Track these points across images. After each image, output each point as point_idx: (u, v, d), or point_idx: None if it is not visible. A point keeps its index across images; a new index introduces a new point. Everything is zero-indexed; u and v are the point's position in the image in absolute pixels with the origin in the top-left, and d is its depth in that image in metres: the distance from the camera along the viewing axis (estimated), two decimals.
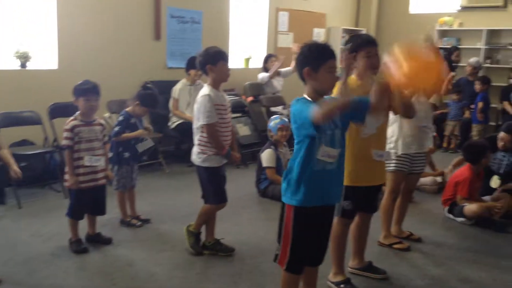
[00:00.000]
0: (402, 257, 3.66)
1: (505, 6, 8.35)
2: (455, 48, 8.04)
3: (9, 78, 5.15)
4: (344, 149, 2.46)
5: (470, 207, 4.29)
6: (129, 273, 3.28)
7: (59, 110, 4.96)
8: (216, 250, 3.57)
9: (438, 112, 7.08)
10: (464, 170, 4.50)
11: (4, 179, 4.26)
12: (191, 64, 5.81)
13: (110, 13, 5.89)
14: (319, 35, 8.87)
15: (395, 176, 3.69)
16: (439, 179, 5.39)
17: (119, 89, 5.31)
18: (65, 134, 3.47)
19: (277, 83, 7.34)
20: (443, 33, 9.02)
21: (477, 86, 7.30)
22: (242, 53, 7.81)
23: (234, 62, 7.42)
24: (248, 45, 7.95)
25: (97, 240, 3.71)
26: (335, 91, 2.53)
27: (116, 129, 3.98)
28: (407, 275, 3.35)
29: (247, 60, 7.82)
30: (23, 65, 5.26)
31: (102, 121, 3.73)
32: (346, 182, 2.74)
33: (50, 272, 3.24)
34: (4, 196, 4.58)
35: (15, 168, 3.35)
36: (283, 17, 8.19)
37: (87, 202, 3.60)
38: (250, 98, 7.06)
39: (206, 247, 3.59)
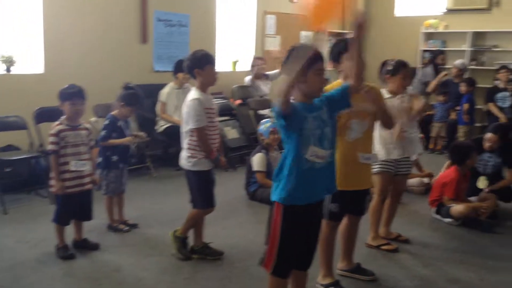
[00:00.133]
0: (390, 258, 3.68)
1: (489, 8, 8.45)
2: (440, 52, 8.12)
3: None
4: (334, 148, 2.45)
5: (457, 208, 4.33)
6: (116, 279, 3.25)
7: (45, 115, 4.90)
8: (204, 254, 3.56)
9: (424, 114, 7.17)
10: (450, 171, 4.54)
11: None
12: (179, 67, 5.79)
13: (96, 17, 5.85)
14: (306, 38, 8.90)
15: (381, 177, 3.71)
16: (426, 180, 5.43)
17: (106, 93, 5.27)
18: (51, 139, 3.44)
19: (265, 86, 7.36)
20: (429, 36, 9.10)
21: (463, 88, 7.37)
22: (230, 56, 7.81)
23: (222, 65, 7.42)
24: (235, 48, 7.95)
25: (84, 246, 3.67)
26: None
27: (103, 133, 3.95)
28: (395, 276, 3.36)
29: (235, 63, 7.82)
30: (8, 70, 5.21)
31: (88, 125, 3.70)
32: None
33: (36, 279, 3.20)
34: None
35: None
36: (271, 20, 8.20)
37: (73, 208, 3.56)
38: (238, 101, 7.07)
39: (195, 251, 3.57)
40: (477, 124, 7.81)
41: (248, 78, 7.29)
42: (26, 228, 4.07)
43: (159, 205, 4.78)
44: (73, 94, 3.47)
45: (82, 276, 3.27)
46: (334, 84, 2.98)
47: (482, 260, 3.69)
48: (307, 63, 2.21)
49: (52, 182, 3.49)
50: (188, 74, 3.46)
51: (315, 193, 2.44)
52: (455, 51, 8.64)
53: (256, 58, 7.37)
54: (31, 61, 5.45)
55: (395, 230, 4.04)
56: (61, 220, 3.57)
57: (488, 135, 4.81)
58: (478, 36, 8.56)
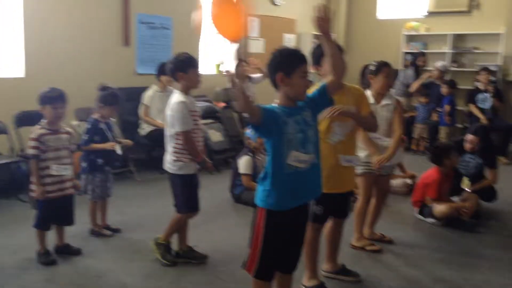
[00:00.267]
0: (374, 259, 3.69)
1: (469, 11, 8.57)
2: (421, 54, 8.21)
3: None
4: (318, 150, 2.43)
5: (439, 208, 4.37)
6: (99, 285, 3.21)
7: (25, 119, 4.83)
8: (189, 258, 3.53)
9: (406, 115, 7.24)
10: (432, 172, 4.58)
11: None
12: (162, 70, 5.75)
13: (78, 20, 5.79)
14: (290, 40, 8.92)
15: (365, 179, 3.73)
16: (409, 181, 5.48)
17: (88, 97, 5.19)
18: (32, 143, 3.39)
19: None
20: (411, 38, 9.19)
21: (444, 90, 7.46)
22: (213, 58, 7.79)
23: (205, 67, 7.40)
24: (219, 51, 7.93)
25: (66, 251, 3.62)
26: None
27: (85, 137, 3.91)
28: (379, 277, 3.38)
29: (218, 65, 7.81)
30: None
31: (69, 129, 3.66)
32: None
33: (18, 286, 3.14)
34: None
35: None
36: (254, 23, 8.21)
37: (55, 213, 3.51)
38: (221, 104, 7.05)
39: (179, 255, 3.55)
40: (459, 125, 7.90)
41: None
42: (7, 234, 4.00)
43: (142, 209, 4.74)
44: (54, 98, 3.43)
45: (64, 282, 3.23)
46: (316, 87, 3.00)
47: (465, 260, 3.72)
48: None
49: (33, 187, 3.44)
50: (171, 78, 3.44)
51: (299, 197, 2.41)
52: (436, 53, 8.74)
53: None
54: (11, 64, 5.36)
55: (379, 230, 4.06)
56: (42, 225, 3.52)
57: (469, 136, 4.86)
58: (458, 38, 8.68)
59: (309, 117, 2.39)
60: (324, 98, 2.45)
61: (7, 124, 4.91)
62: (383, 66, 3.66)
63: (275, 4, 8.58)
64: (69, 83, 4.77)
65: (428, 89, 7.78)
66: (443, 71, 7.82)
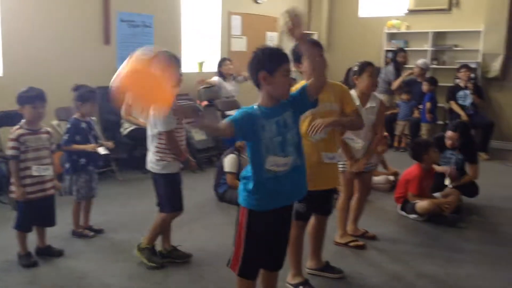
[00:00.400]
0: (358, 255, 3.71)
1: (449, 9, 8.66)
2: (401, 50, 8.26)
3: None
4: (300, 149, 2.41)
5: (421, 204, 4.41)
6: (82, 286, 3.17)
7: (4, 119, 4.74)
8: (173, 258, 3.51)
9: (388, 112, 7.29)
10: (413, 168, 4.63)
11: None
12: None
13: (57, 18, 5.70)
14: (272, 38, 8.92)
15: (345, 175, 3.75)
16: (392, 178, 5.52)
17: (68, 96, 5.10)
18: (11, 143, 3.33)
19: (231, 87, 7.34)
20: (392, 36, 9.26)
21: (425, 87, 7.54)
22: (196, 57, 7.75)
23: (188, 66, 7.36)
24: (201, 49, 7.90)
25: (48, 253, 3.57)
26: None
27: (66, 137, 3.85)
28: (363, 273, 3.40)
29: (201, 64, 7.77)
30: None
31: (49, 129, 3.60)
32: None
33: None
34: None
35: None
36: (236, 21, 8.18)
37: (35, 214, 3.46)
38: (204, 103, 7.02)
39: (163, 254, 3.52)
40: (440, 122, 7.99)
41: (216, 78, 7.28)
42: None
43: (125, 209, 4.69)
44: (34, 97, 3.37)
45: (46, 284, 3.18)
46: (299, 85, 3.00)
47: (448, 254, 3.77)
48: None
49: (13, 188, 3.38)
50: None
51: (281, 200, 2.40)
52: (417, 50, 8.81)
53: (226, 61, 7.33)
54: None
55: (362, 226, 4.09)
56: (23, 226, 3.46)
57: (449, 132, 4.92)
58: (439, 36, 8.77)
59: (290, 118, 2.35)
60: (304, 99, 2.39)
61: None
62: (366, 66, 3.67)
63: (257, 2, 8.57)
64: (49, 82, 4.70)
65: (409, 86, 7.85)
66: (424, 69, 7.90)
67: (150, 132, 3.35)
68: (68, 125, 3.89)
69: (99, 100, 4.05)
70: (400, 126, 7.80)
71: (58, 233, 3.85)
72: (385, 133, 5.92)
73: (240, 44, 8.26)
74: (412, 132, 7.63)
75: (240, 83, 7.36)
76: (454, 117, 7.33)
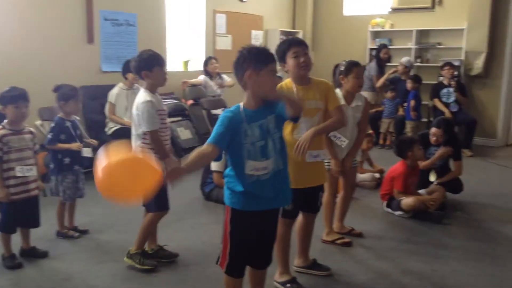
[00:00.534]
0: (345, 252, 3.73)
1: (433, 7, 8.73)
2: (384, 46, 8.29)
3: None
4: (283, 153, 2.40)
5: (407, 201, 4.45)
6: None
7: None
8: (159, 257, 3.48)
9: (373, 110, 7.34)
10: (398, 165, 4.66)
11: None
12: (127, 67, 5.64)
13: (39, 17, 5.63)
14: (257, 37, 8.92)
15: (329, 173, 3.74)
16: (377, 175, 5.56)
17: (52, 95, 5.06)
18: None
19: (217, 86, 7.32)
20: (376, 34, 9.32)
21: (409, 85, 7.59)
22: (181, 55, 7.71)
23: (173, 65, 7.32)
24: (186, 48, 7.86)
25: (32, 254, 3.53)
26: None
27: (50, 136, 3.80)
28: (350, 271, 3.41)
29: (186, 62, 7.74)
30: None
31: (32, 129, 3.55)
32: None
33: None
34: None
35: None
36: (221, 20, 8.16)
37: (19, 215, 3.41)
38: (190, 102, 6.99)
39: (149, 254, 3.49)
40: (424, 119, 8.07)
41: (202, 77, 7.26)
42: None
43: (110, 210, 4.63)
44: (17, 97, 3.32)
45: (31, 286, 3.14)
46: (284, 83, 3.02)
47: (433, 251, 3.80)
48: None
49: None
50: (137, 76, 3.37)
51: (262, 203, 2.39)
52: (401, 49, 8.88)
53: (212, 60, 7.31)
54: None
55: (348, 224, 4.10)
56: (6, 228, 3.41)
57: (433, 129, 4.97)
58: (422, 34, 8.84)
59: (273, 123, 2.34)
60: (284, 115, 2.34)
61: None
62: (353, 66, 3.67)
63: (242, 1, 8.55)
64: (32, 82, 4.64)
65: (393, 84, 7.91)
66: (408, 67, 7.96)
67: (134, 131, 3.31)
68: (53, 124, 3.85)
69: (82, 99, 4.01)
70: (385, 124, 7.86)
71: (43, 234, 3.81)
72: (371, 131, 5.98)
73: (225, 43, 8.24)
74: (397, 130, 7.69)
75: (227, 84, 7.35)
76: (438, 114, 7.39)
